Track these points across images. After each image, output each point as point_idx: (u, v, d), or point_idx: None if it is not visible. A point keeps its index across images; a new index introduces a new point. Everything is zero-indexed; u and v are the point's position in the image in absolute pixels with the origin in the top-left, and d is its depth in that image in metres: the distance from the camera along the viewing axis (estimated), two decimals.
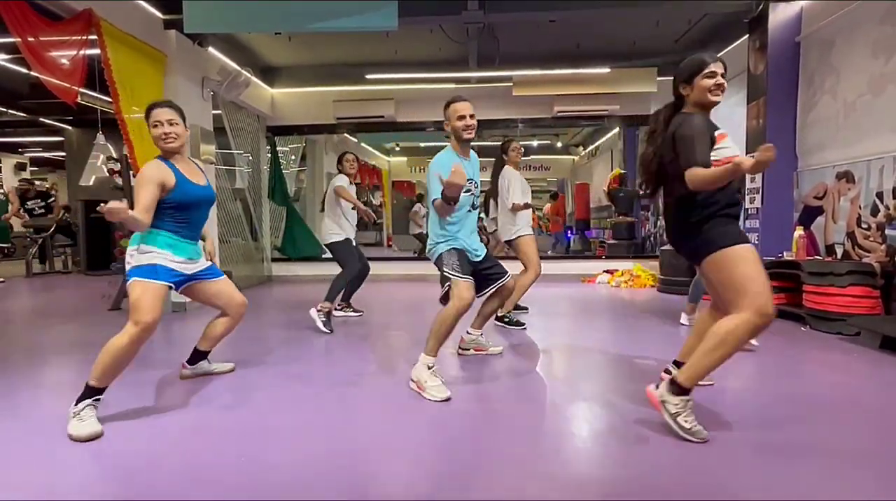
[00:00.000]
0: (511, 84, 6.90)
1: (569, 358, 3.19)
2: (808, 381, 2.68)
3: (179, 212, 2.30)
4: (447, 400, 2.35)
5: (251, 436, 2.01)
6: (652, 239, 8.50)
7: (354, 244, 4.27)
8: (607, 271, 6.95)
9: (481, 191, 2.98)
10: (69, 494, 1.58)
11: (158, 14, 4.79)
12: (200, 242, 2.52)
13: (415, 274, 7.39)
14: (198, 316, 4.64)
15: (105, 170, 5.68)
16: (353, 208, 4.18)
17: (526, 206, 4.02)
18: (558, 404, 2.36)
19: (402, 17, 4.24)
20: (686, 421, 1.91)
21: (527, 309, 4.49)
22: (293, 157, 9.08)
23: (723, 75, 2.05)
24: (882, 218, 3.81)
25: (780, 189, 4.83)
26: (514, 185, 4.01)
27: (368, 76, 7.10)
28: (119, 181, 5.16)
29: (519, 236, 4.03)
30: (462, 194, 2.52)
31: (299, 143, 9.08)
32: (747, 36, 5.19)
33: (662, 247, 6.17)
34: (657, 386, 2.04)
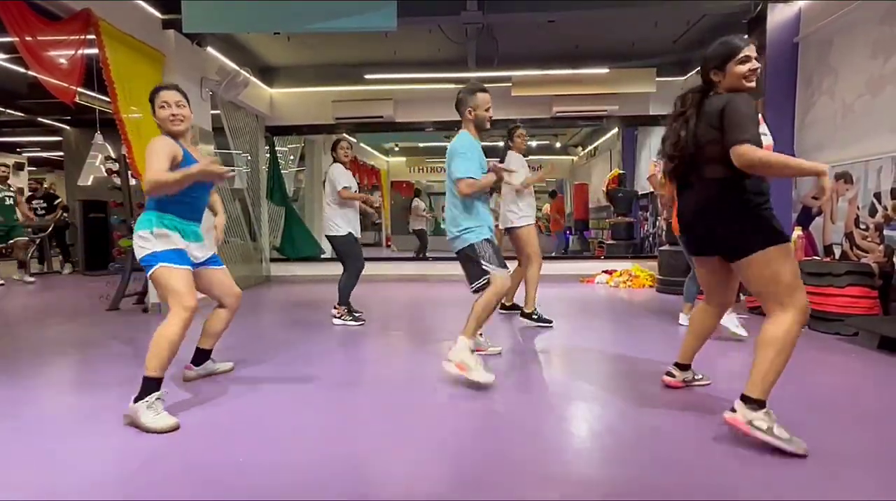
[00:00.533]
0: (510, 84, 6.90)
1: (568, 359, 3.19)
2: (807, 381, 2.68)
3: (184, 191, 2.27)
4: (489, 384, 2.49)
5: (251, 437, 2.01)
6: (650, 239, 8.51)
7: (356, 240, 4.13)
8: (606, 271, 6.96)
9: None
10: (69, 494, 1.58)
11: (157, 14, 4.79)
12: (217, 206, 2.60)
13: (414, 274, 7.39)
14: (196, 316, 4.64)
15: (103, 169, 5.67)
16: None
17: (540, 179, 4.05)
18: (557, 404, 2.36)
19: (401, 17, 4.24)
20: (781, 432, 1.79)
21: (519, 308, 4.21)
22: (292, 158, 9.08)
23: (757, 59, 1.97)
24: (880, 218, 3.82)
25: (779, 189, 4.84)
26: (519, 168, 4.01)
27: (367, 76, 7.10)
28: (117, 181, 5.15)
29: (522, 225, 3.99)
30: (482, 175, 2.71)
31: (298, 144, 9.08)
32: (746, 36, 5.19)
33: (661, 248, 6.17)
34: (733, 410, 1.89)
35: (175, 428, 2.02)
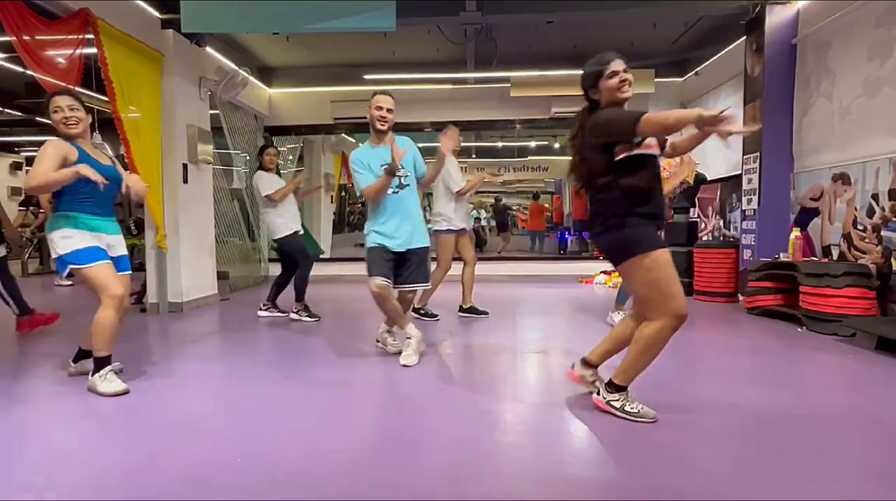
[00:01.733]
0: (509, 85, 6.90)
1: (566, 359, 3.19)
2: (804, 382, 2.69)
3: (86, 187, 2.41)
4: None
5: (248, 437, 2.01)
6: None
7: (301, 234, 4.40)
8: (605, 272, 6.97)
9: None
10: (68, 494, 1.58)
11: (156, 14, 4.78)
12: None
13: None
14: (194, 316, 4.63)
15: None
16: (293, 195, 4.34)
17: (476, 183, 4.26)
18: (556, 404, 2.36)
19: (401, 17, 4.24)
20: (632, 407, 2.10)
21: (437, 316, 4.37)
22: (290, 158, 9.06)
23: (626, 70, 2.09)
24: (878, 219, 3.83)
25: (777, 190, 4.85)
26: (454, 169, 4.19)
27: (366, 77, 7.09)
28: None
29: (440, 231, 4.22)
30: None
31: (297, 144, 9.06)
32: (744, 38, 5.21)
33: None
34: (597, 393, 2.22)
35: (125, 392, 2.43)
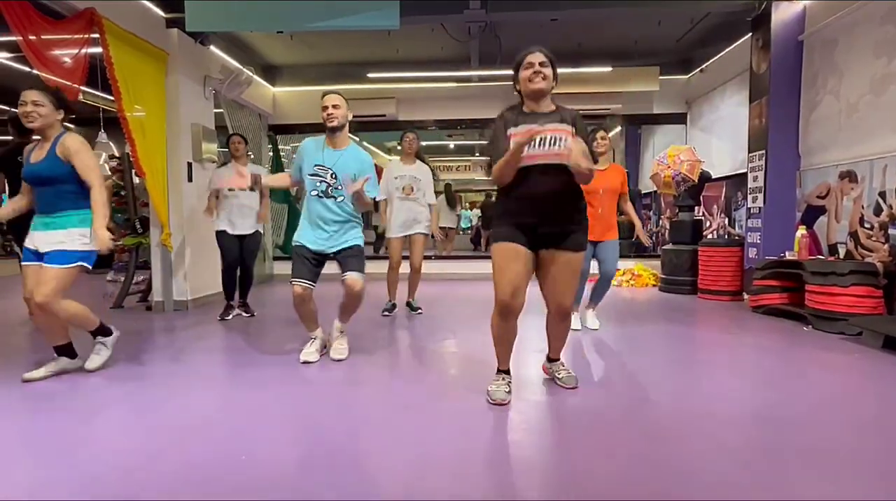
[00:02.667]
0: (513, 83, 6.88)
1: (568, 357, 3.19)
2: (810, 381, 2.68)
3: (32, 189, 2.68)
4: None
5: (250, 435, 2.01)
6: (654, 238, 8.49)
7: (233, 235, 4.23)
8: None
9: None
10: (67, 493, 1.59)
11: (160, 13, 4.80)
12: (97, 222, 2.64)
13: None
14: (199, 314, 4.65)
15: (107, 168, 5.69)
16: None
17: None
18: (557, 403, 2.35)
19: (404, 15, 4.24)
20: (493, 389, 2.35)
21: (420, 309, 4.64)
22: (294, 156, 9.09)
23: (541, 63, 2.20)
24: (885, 217, 3.80)
25: (783, 188, 4.82)
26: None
27: (370, 75, 7.09)
28: (120, 181, 5.17)
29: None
30: (309, 177, 2.94)
31: (301, 142, 9.08)
32: (750, 35, 5.17)
33: (664, 247, 6.16)
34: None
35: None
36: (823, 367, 2.96)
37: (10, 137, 4.23)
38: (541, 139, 2.13)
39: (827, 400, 2.36)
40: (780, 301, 4.30)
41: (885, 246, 3.79)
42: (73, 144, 2.60)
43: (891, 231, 3.75)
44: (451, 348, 3.37)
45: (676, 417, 2.14)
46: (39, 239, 2.62)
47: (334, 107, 2.99)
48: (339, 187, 2.94)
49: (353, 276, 2.94)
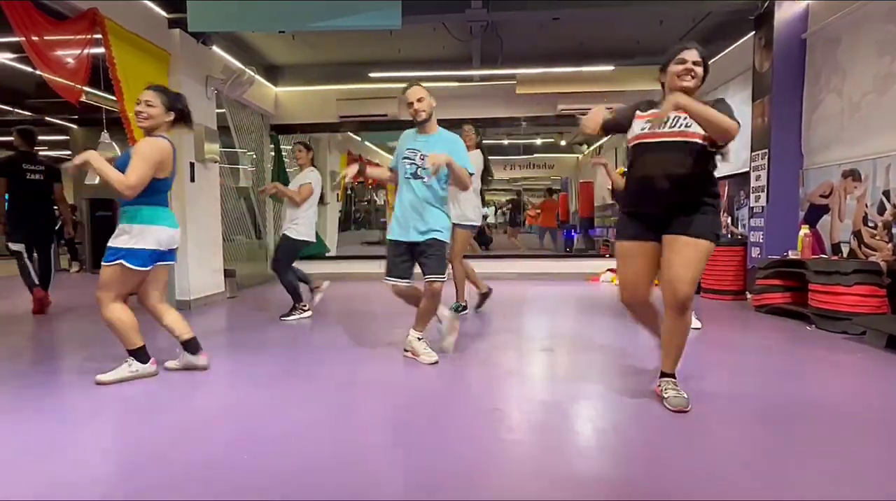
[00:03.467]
0: (514, 82, 6.88)
1: (571, 357, 3.19)
2: (813, 381, 2.67)
3: None
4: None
5: (252, 435, 2.02)
6: None
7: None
8: (611, 270, 6.93)
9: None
10: (70, 492, 1.59)
11: (163, 13, 4.80)
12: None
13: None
14: (201, 314, 4.66)
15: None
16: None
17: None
18: (560, 402, 2.35)
19: (406, 15, 4.23)
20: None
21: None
22: (296, 156, 9.08)
23: (695, 62, 2.11)
24: (889, 216, 3.79)
25: (786, 187, 4.80)
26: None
27: (372, 75, 7.09)
28: None
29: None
30: (401, 160, 3.00)
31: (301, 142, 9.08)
32: (752, 34, 5.15)
33: None
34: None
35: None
36: (826, 367, 2.95)
37: (10, 138, 4.30)
38: (669, 119, 2.11)
39: (830, 400, 2.35)
40: (783, 300, 4.29)
41: (889, 245, 3.77)
42: (140, 144, 2.56)
43: (894, 230, 3.73)
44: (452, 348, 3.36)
45: (677, 416, 2.14)
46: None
47: (419, 100, 2.97)
48: (426, 168, 2.96)
49: (434, 280, 2.97)
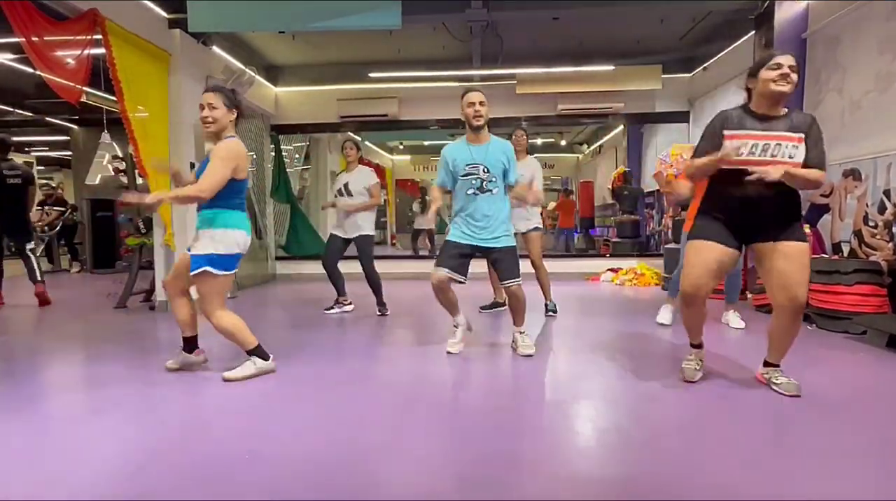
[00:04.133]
0: (514, 82, 6.88)
1: (572, 357, 3.18)
2: (814, 380, 2.66)
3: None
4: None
5: (254, 435, 2.02)
6: (656, 237, 8.47)
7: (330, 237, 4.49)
8: (611, 269, 6.93)
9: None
10: (71, 492, 1.59)
11: (163, 13, 4.80)
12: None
13: (417, 272, 7.38)
14: (199, 315, 4.66)
15: (110, 168, 5.71)
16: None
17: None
18: (561, 402, 2.35)
19: (406, 15, 4.24)
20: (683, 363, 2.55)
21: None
22: (297, 156, 9.10)
23: (791, 67, 2.15)
24: (889, 216, 3.78)
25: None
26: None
27: (372, 75, 7.10)
28: (124, 179, 5.19)
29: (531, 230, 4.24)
30: (462, 178, 2.98)
31: (303, 142, 9.09)
32: (753, 33, 5.15)
33: (667, 246, 6.15)
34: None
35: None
36: (827, 366, 2.95)
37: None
38: (761, 146, 2.14)
39: (831, 399, 2.35)
40: None
41: (890, 244, 3.77)
42: (219, 147, 2.57)
43: (895, 229, 3.73)
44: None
45: (678, 416, 2.14)
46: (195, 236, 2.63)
47: (481, 103, 3.00)
48: (493, 179, 3.00)
49: (511, 284, 3.03)
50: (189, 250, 2.60)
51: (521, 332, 3.16)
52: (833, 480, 1.62)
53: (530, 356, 3.02)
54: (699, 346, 2.56)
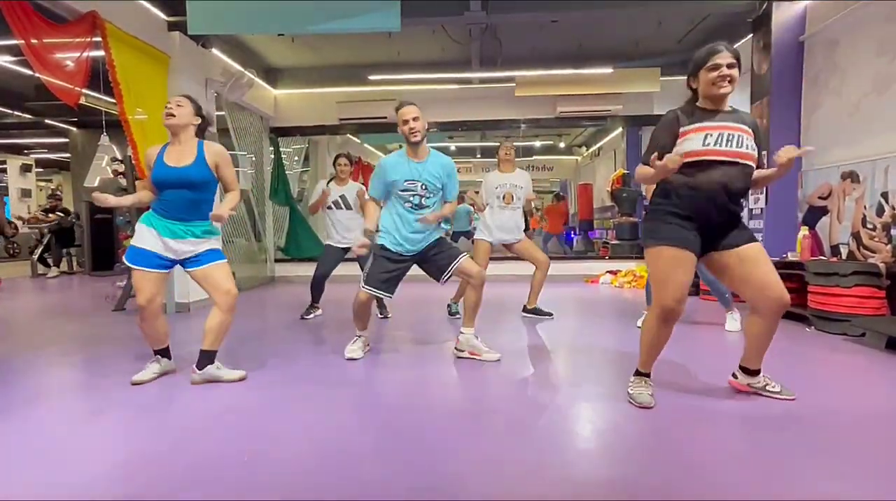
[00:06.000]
0: (513, 85, 6.90)
1: (571, 358, 3.18)
2: (812, 382, 2.66)
3: (160, 191, 2.57)
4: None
5: (252, 436, 2.01)
6: None
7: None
8: (610, 271, 6.94)
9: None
10: (70, 493, 1.59)
11: (162, 16, 4.81)
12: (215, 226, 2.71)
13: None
14: (200, 316, 4.66)
15: (109, 171, 5.70)
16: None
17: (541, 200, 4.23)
18: (560, 404, 2.35)
19: (405, 17, 4.24)
20: (631, 392, 2.30)
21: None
22: (296, 158, 9.10)
23: (729, 66, 2.04)
24: (887, 218, 3.79)
25: (785, 189, 4.81)
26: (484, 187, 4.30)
27: (371, 77, 7.11)
28: (123, 182, 5.18)
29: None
30: (399, 192, 2.97)
31: (302, 145, 9.10)
32: (751, 36, 5.17)
33: None
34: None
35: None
36: (826, 368, 2.95)
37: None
38: (725, 136, 2.07)
39: (829, 401, 2.35)
40: None
41: (888, 246, 3.78)
42: (224, 154, 2.65)
43: (893, 231, 3.74)
44: (452, 350, 3.36)
45: (678, 417, 2.14)
46: (174, 246, 2.56)
47: (414, 119, 2.93)
48: (430, 196, 3.00)
49: (461, 260, 3.03)
50: (179, 257, 2.61)
51: (476, 336, 3.11)
52: (832, 481, 1.62)
53: (498, 360, 3.02)
54: (649, 375, 2.35)
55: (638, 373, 2.35)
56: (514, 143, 4.54)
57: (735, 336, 3.72)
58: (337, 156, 4.43)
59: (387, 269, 3.01)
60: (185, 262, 2.62)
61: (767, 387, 2.35)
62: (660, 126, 2.18)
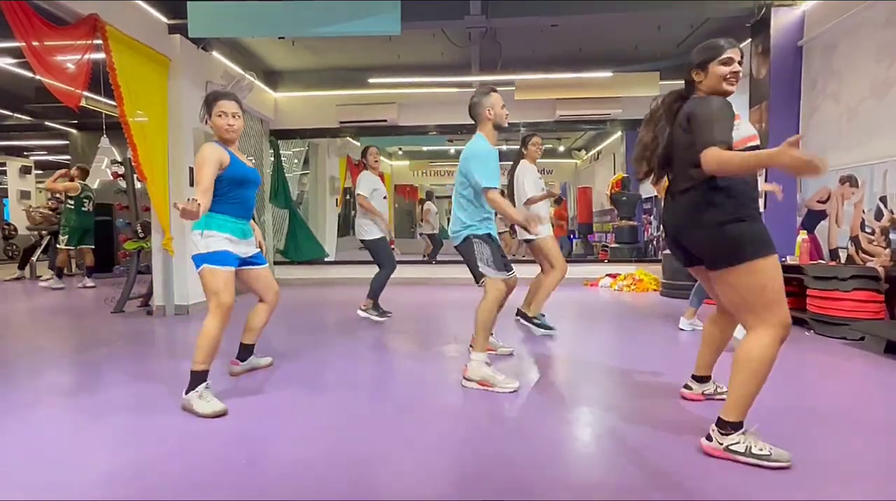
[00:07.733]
0: (513, 88, 6.91)
1: (571, 362, 3.18)
2: (812, 386, 2.67)
3: (233, 191, 2.52)
4: (517, 389, 2.56)
5: (254, 439, 2.01)
6: (654, 243, 8.48)
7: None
8: (610, 275, 6.94)
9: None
10: (70, 495, 1.59)
11: (163, 19, 4.82)
12: (253, 226, 2.73)
13: (418, 277, 7.38)
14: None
15: (109, 173, 5.71)
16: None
17: (546, 196, 3.88)
18: (560, 407, 2.35)
19: (405, 21, 4.26)
20: (761, 450, 1.74)
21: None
22: (296, 161, 9.11)
23: (740, 63, 1.92)
24: (886, 222, 3.80)
25: (784, 193, 4.81)
26: (527, 180, 3.87)
27: (371, 80, 7.13)
28: (123, 184, 5.18)
29: (539, 236, 3.79)
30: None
31: (302, 147, 9.11)
32: (749, 40, 5.19)
33: (665, 251, 6.16)
34: (708, 439, 1.82)
35: (223, 413, 2.23)
36: (825, 372, 2.95)
37: None
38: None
39: (829, 405, 2.35)
40: None
41: (887, 250, 3.78)
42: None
43: (892, 236, 3.75)
44: (453, 352, 3.36)
45: (678, 421, 2.13)
46: (243, 246, 2.57)
47: (503, 106, 2.79)
48: None
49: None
50: (244, 255, 2.60)
51: (488, 363, 2.71)
52: (831, 482, 1.62)
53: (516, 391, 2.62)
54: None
55: (736, 426, 1.79)
56: (512, 146, 4.47)
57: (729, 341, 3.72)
58: (366, 148, 4.48)
59: (501, 253, 2.84)
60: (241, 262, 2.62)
61: (718, 390, 2.36)
62: (720, 108, 1.79)
